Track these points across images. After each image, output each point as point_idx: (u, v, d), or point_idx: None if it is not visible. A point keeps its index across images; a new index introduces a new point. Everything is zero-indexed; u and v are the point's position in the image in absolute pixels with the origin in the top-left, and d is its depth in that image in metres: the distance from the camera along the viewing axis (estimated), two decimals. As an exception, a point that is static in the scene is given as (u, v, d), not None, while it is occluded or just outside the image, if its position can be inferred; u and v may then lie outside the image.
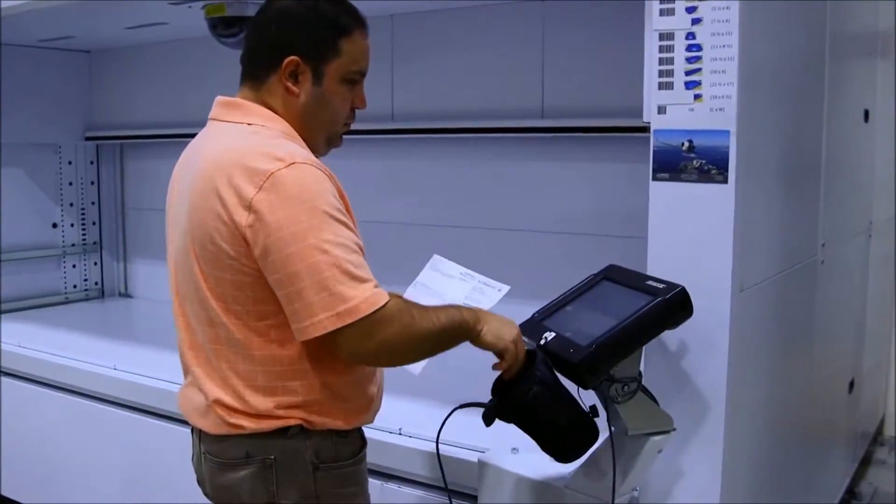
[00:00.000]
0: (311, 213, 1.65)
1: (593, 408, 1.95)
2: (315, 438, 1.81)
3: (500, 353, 1.83)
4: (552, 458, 1.97)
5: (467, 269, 2.17)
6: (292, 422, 1.79)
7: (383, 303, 1.66)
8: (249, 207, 1.66)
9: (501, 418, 1.90)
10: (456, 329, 1.78)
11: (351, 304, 1.63)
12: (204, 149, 1.82)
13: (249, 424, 1.78)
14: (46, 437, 3.62)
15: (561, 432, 1.92)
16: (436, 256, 2.23)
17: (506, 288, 2.09)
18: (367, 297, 1.65)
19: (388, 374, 1.99)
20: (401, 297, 1.76)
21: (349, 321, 1.63)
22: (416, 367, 2.04)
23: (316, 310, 1.64)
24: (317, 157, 1.82)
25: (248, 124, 1.82)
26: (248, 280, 1.71)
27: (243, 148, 1.73)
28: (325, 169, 1.75)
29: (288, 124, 1.84)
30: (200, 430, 1.87)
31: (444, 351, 1.80)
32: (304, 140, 1.84)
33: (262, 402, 1.77)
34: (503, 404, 1.89)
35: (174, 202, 1.90)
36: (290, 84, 1.82)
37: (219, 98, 1.92)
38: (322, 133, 1.90)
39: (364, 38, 1.89)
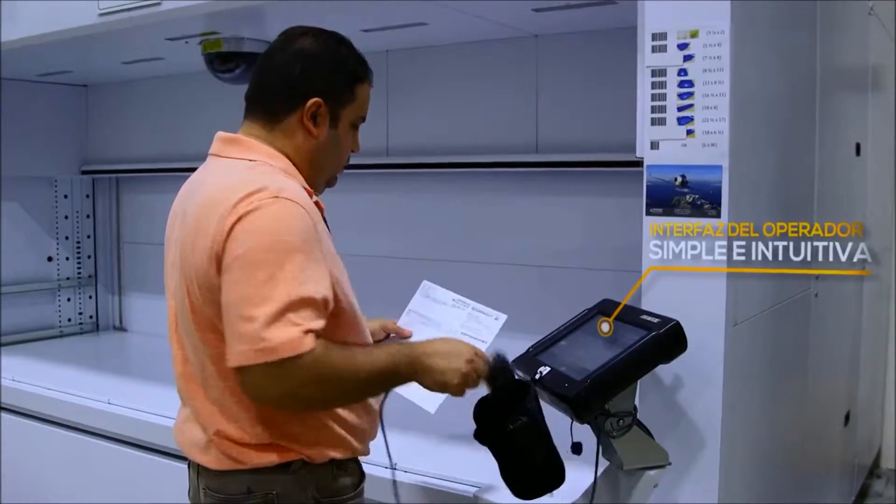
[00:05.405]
0: (273, 246, 1.62)
1: (578, 444, 1.94)
2: (317, 473, 1.80)
3: (453, 394, 1.79)
4: (511, 491, 1.91)
5: (459, 296, 2.16)
6: (293, 456, 1.78)
7: (303, 351, 1.59)
8: (227, 237, 1.65)
9: (479, 441, 1.88)
10: (383, 378, 1.73)
11: (271, 344, 1.58)
12: (202, 185, 1.81)
13: (250, 459, 1.77)
14: (40, 472, 3.59)
15: (532, 468, 1.89)
16: (426, 283, 2.22)
17: (503, 317, 2.08)
18: (290, 339, 1.58)
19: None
20: (329, 344, 1.66)
21: (262, 360, 1.58)
22: (433, 406, 2.04)
23: (241, 339, 1.61)
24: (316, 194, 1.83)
25: (249, 160, 1.80)
26: None
27: (237, 185, 1.71)
28: (312, 208, 1.73)
29: (290, 163, 1.83)
30: (199, 465, 1.85)
31: (376, 395, 1.87)
32: (307, 179, 1.84)
33: (259, 437, 1.76)
34: (486, 428, 1.87)
35: (172, 238, 1.88)
36: (310, 125, 1.82)
37: (219, 134, 1.90)
38: (327, 174, 1.92)
39: (370, 86, 1.92)
